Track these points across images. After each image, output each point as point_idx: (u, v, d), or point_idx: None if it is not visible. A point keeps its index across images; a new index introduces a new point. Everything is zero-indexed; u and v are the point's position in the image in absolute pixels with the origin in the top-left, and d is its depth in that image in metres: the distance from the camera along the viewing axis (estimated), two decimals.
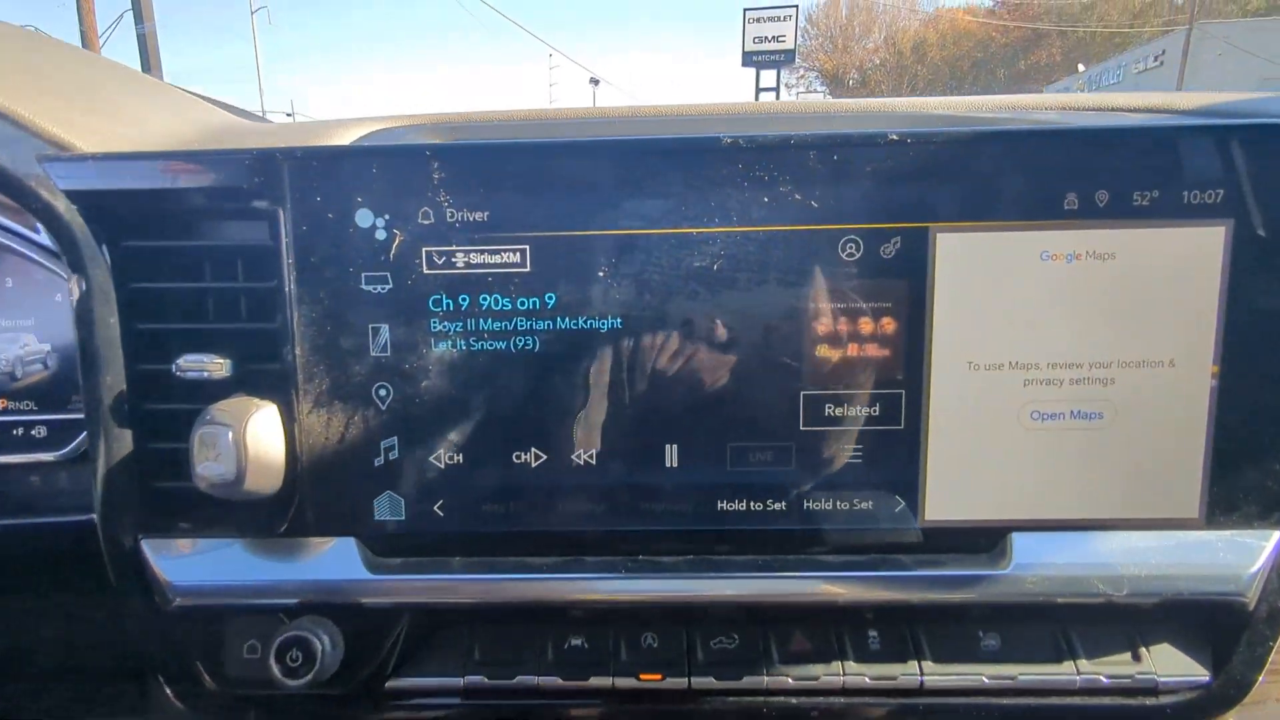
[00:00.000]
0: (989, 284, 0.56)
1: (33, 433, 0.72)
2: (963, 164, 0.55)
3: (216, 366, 0.60)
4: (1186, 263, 0.55)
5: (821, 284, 0.57)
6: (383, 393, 0.59)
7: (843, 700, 0.62)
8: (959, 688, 0.61)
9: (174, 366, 0.59)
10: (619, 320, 0.58)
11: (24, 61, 0.66)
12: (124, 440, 0.61)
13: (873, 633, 0.63)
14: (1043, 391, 0.57)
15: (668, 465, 0.59)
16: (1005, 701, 0.62)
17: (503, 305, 0.58)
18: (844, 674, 0.61)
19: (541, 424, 0.59)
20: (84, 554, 0.63)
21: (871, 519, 0.59)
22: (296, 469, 0.60)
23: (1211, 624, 0.61)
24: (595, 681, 0.62)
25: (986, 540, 0.60)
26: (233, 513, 0.62)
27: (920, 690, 0.61)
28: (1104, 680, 0.61)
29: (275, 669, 0.57)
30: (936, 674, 0.61)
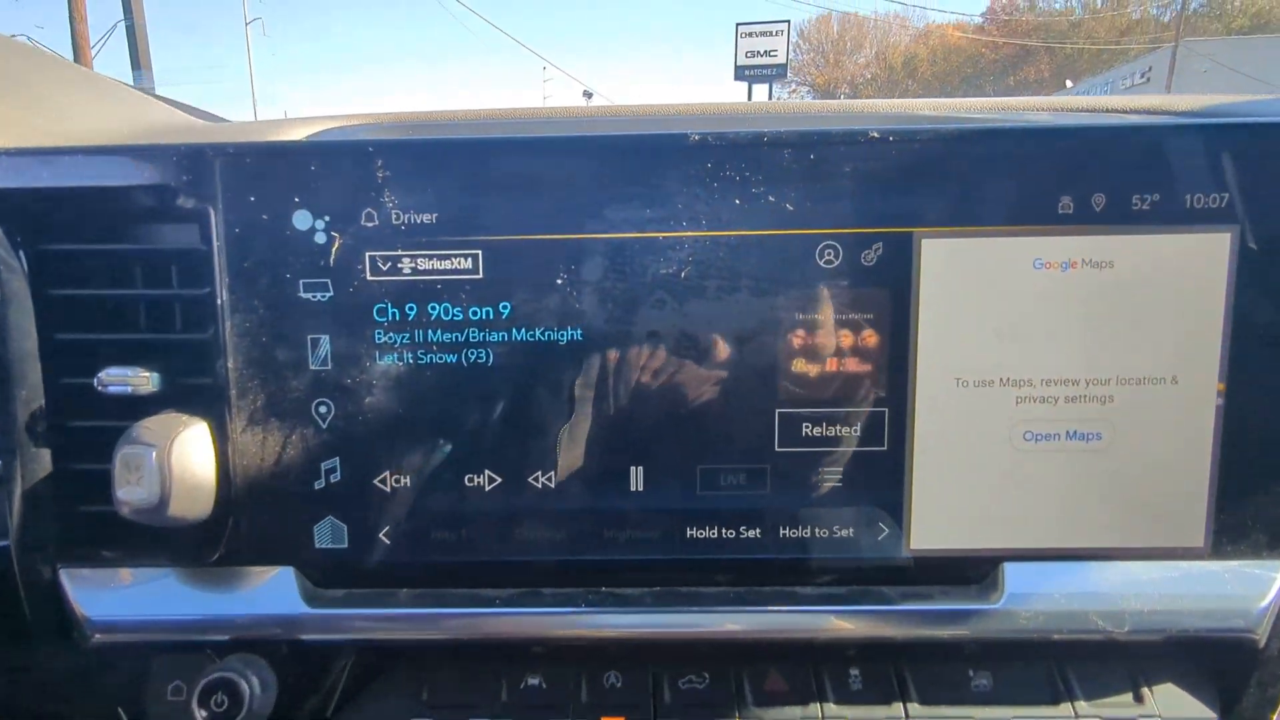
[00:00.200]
0: (978, 294, 0.52)
1: None
2: (949, 164, 0.51)
3: (142, 381, 0.55)
4: (1189, 272, 0.51)
5: (798, 293, 0.52)
6: (323, 410, 0.54)
7: None
8: None
9: (96, 381, 0.55)
10: (579, 332, 0.53)
11: None
12: (42, 460, 0.56)
13: (854, 671, 0.58)
14: (1036, 410, 0.53)
15: (632, 489, 0.55)
16: None
17: (453, 315, 0.53)
18: (823, 716, 0.57)
19: (496, 444, 0.55)
20: None
21: (853, 548, 0.55)
22: (229, 492, 0.55)
23: (1219, 662, 0.57)
24: None
25: (976, 571, 0.56)
26: (160, 540, 0.57)
27: None
28: None
29: (198, 715, 0.52)
30: (923, 715, 0.57)
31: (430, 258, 0.53)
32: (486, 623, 0.56)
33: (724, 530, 0.55)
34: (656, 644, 0.58)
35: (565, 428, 0.54)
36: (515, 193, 0.52)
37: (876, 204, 0.51)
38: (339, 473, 0.55)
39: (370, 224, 0.52)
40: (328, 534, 0.56)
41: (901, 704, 0.57)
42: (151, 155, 0.52)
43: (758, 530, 0.55)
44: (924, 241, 0.52)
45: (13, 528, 0.56)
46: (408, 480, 0.55)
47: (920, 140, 0.51)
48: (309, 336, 0.54)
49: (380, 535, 0.56)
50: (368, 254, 0.53)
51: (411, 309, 0.53)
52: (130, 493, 0.51)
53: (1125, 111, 0.66)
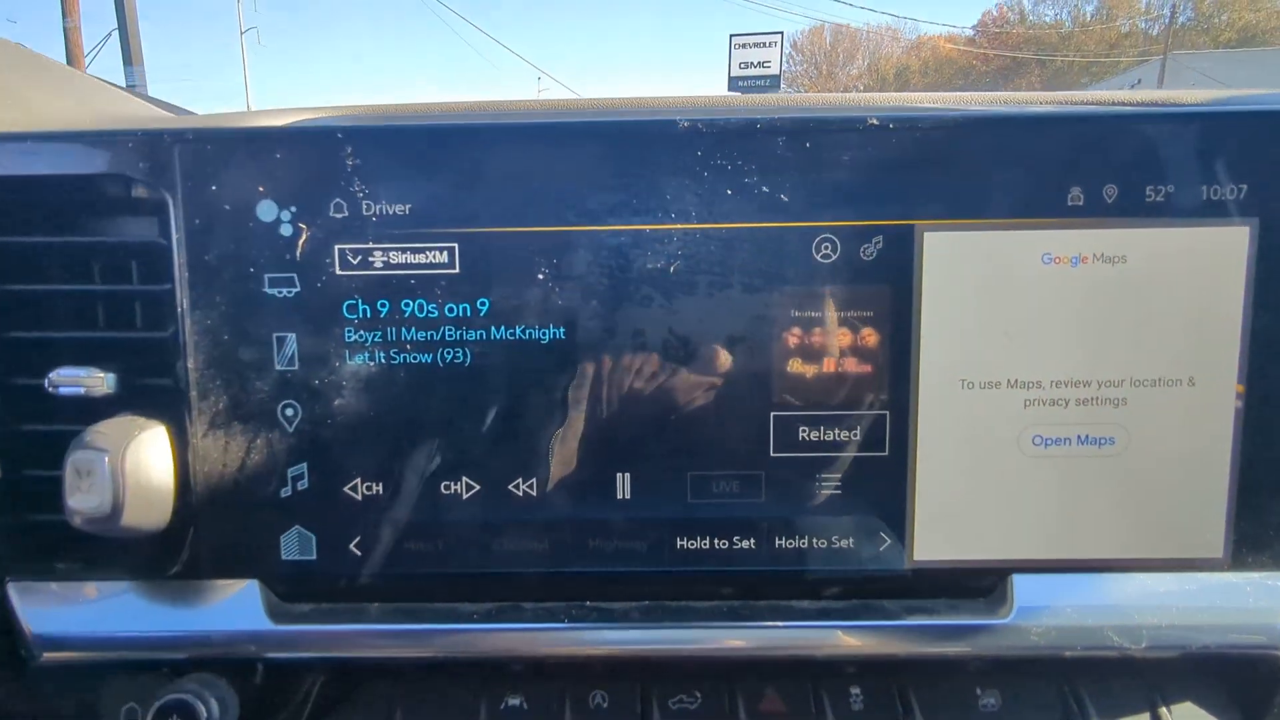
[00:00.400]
0: (983, 291, 0.49)
1: None
2: (953, 154, 0.49)
3: (96, 382, 0.52)
4: (1206, 267, 0.49)
5: (793, 290, 0.50)
6: (290, 412, 0.51)
7: None
8: None
9: (46, 381, 0.51)
10: (561, 330, 0.50)
11: None
12: None
13: (855, 690, 0.55)
14: (1046, 413, 0.50)
15: (619, 497, 0.52)
16: None
17: (428, 312, 0.50)
18: None
19: (474, 450, 0.52)
20: None
21: (853, 559, 0.52)
22: (189, 501, 0.52)
23: (1240, 680, 0.54)
24: None
25: (983, 583, 0.53)
26: (115, 552, 0.53)
27: None
28: None
29: None
30: None
31: (403, 251, 0.50)
32: (464, 639, 0.53)
33: (716, 541, 0.52)
34: (645, 661, 0.55)
35: (547, 432, 0.51)
36: (493, 182, 0.49)
37: (876, 195, 0.49)
38: (306, 480, 0.52)
39: (339, 215, 0.49)
40: (294, 545, 0.53)
41: None
42: (104, 141, 0.49)
43: (752, 540, 0.52)
44: (926, 235, 0.49)
45: None
46: (380, 488, 0.52)
47: (922, 128, 0.48)
48: (274, 335, 0.51)
49: (351, 546, 0.52)
50: (337, 247, 0.50)
51: (383, 306, 0.50)
52: (81, 501, 0.48)
53: (1134, 104, 0.64)
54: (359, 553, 0.53)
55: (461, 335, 0.50)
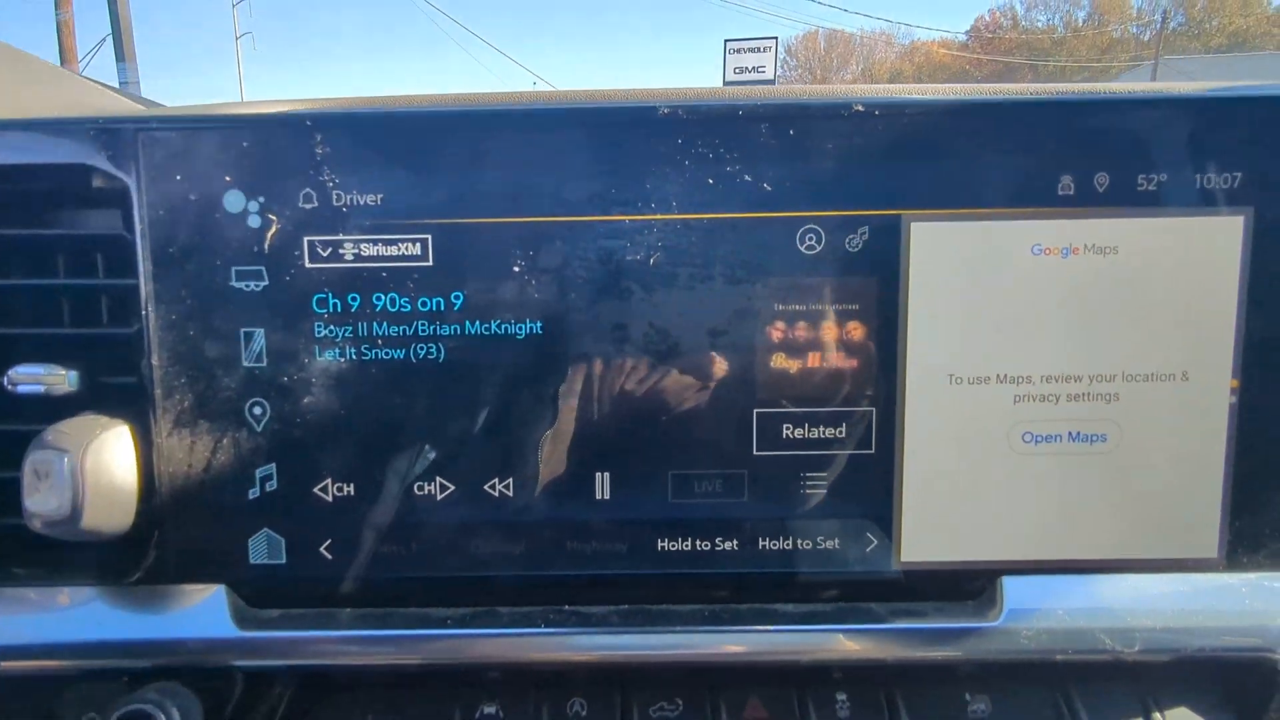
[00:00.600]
0: (972, 282, 0.48)
1: None
2: (940, 141, 0.47)
3: (57, 379, 0.50)
4: (1200, 258, 0.47)
5: (777, 282, 0.48)
6: (258, 411, 0.49)
7: None
8: None
9: (5, 379, 0.50)
10: (538, 324, 0.49)
11: None
12: None
13: (841, 696, 0.54)
14: (1036, 409, 0.49)
15: (598, 497, 0.50)
16: None
17: (400, 306, 0.49)
18: None
19: (448, 449, 0.50)
20: None
21: (839, 560, 0.51)
22: (153, 503, 0.50)
23: (1236, 684, 0.53)
24: None
25: (973, 585, 0.51)
26: (77, 556, 0.52)
27: None
28: None
29: None
30: None
31: (375, 243, 0.48)
32: (438, 645, 0.51)
33: (698, 542, 0.51)
34: (625, 667, 0.53)
35: (524, 431, 0.50)
36: (467, 171, 0.48)
37: (862, 184, 0.48)
38: (275, 481, 0.50)
39: (309, 206, 0.48)
40: (263, 548, 0.51)
41: None
42: (64, 129, 0.48)
43: (735, 542, 0.51)
44: (913, 225, 0.48)
45: None
46: (351, 489, 0.50)
47: (909, 114, 0.47)
48: (242, 330, 0.49)
49: (321, 549, 0.51)
50: (306, 239, 0.48)
51: (354, 300, 0.49)
52: (40, 503, 0.47)
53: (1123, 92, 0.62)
54: (330, 556, 0.51)
55: (435, 330, 0.49)
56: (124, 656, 0.51)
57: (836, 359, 0.49)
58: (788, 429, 0.50)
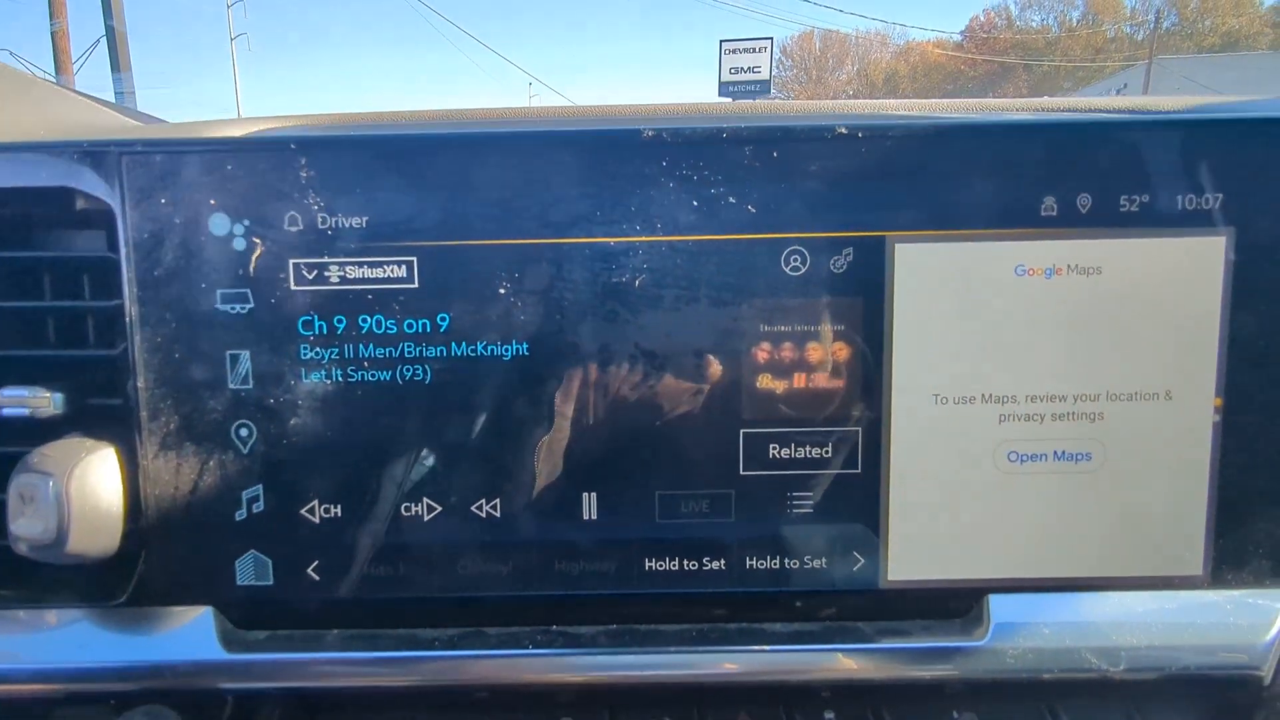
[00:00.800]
0: (956, 303, 0.48)
1: None
2: (924, 163, 0.47)
3: (42, 402, 0.50)
4: (1182, 278, 0.48)
5: (762, 303, 0.48)
6: (244, 433, 0.49)
7: None
8: None
9: None
10: (524, 346, 0.49)
11: None
12: None
13: (829, 715, 0.54)
14: (1021, 429, 0.49)
15: (585, 517, 0.50)
16: None
17: (386, 328, 0.49)
18: None
19: (435, 470, 0.50)
20: None
21: (825, 580, 0.51)
22: (139, 525, 0.50)
23: (1221, 701, 0.53)
24: None
25: (959, 604, 0.52)
26: (62, 579, 0.51)
27: None
28: None
29: None
30: None
31: (360, 265, 0.48)
32: (425, 666, 0.51)
33: (685, 562, 0.51)
34: (612, 688, 0.53)
35: (511, 451, 0.50)
36: (452, 194, 0.48)
37: (846, 205, 0.48)
38: (262, 502, 0.50)
39: (294, 229, 0.48)
40: (250, 570, 0.51)
41: None
42: (48, 151, 0.47)
43: (722, 561, 0.51)
44: (897, 246, 0.48)
45: None
46: (338, 510, 0.50)
47: (893, 136, 0.47)
48: (228, 352, 0.49)
49: (308, 571, 0.51)
50: (292, 262, 0.48)
51: (340, 322, 0.48)
52: (25, 527, 0.46)
53: (1110, 111, 0.63)
54: (317, 577, 0.51)
55: (421, 352, 0.49)
56: (110, 680, 0.50)
57: (822, 379, 0.49)
58: (774, 449, 0.50)
